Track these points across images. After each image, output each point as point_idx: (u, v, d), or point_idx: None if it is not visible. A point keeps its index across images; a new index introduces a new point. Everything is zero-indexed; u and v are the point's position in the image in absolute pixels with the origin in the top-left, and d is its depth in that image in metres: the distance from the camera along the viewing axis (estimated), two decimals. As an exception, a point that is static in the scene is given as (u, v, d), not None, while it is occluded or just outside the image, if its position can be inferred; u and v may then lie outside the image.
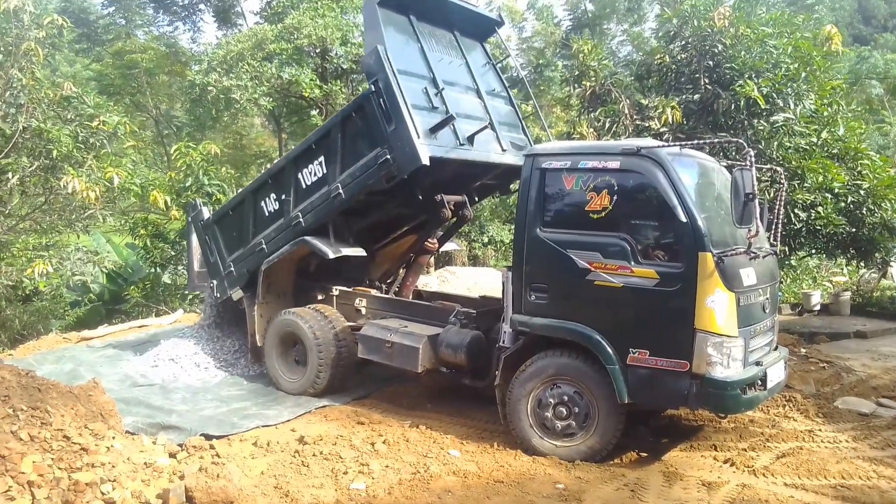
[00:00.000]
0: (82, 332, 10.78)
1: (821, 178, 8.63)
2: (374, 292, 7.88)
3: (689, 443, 5.95)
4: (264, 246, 7.61)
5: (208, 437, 5.88)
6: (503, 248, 17.06)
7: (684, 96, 9.17)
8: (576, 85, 10.27)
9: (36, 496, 4.04)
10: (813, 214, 8.64)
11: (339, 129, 6.94)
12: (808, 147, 8.87)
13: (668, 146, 5.49)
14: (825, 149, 9.08)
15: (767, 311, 5.59)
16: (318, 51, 16.15)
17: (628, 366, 5.17)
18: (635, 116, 9.29)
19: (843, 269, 15.03)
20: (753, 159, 4.84)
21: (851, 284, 13.85)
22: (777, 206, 5.91)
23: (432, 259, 15.10)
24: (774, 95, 8.54)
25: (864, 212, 8.91)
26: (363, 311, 7.52)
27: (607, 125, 9.39)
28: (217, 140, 19.43)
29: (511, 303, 5.80)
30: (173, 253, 13.00)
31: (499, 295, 6.29)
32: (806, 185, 8.64)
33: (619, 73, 10.81)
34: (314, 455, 5.40)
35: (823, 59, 9.30)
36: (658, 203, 5.15)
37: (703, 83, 9.00)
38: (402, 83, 6.31)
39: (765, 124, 8.67)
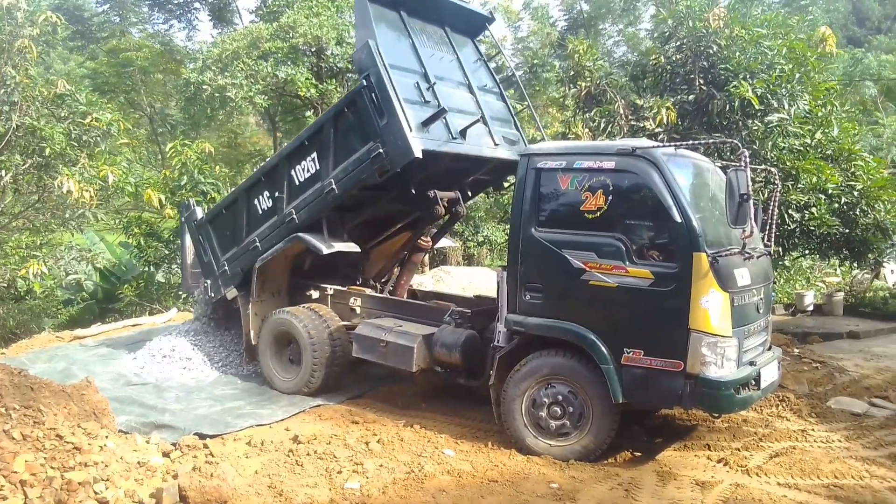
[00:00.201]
0: (75, 330, 10.74)
1: (815, 179, 8.67)
2: (368, 291, 7.87)
3: (683, 442, 5.97)
4: (258, 244, 7.59)
5: (202, 437, 5.87)
6: (498, 248, 17.08)
7: (679, 97, 9.19)
8: (571, 85, 10.29)
9: (28, 495, 4.02)
10: (807, 215, 8.67)
11: (332, 124, 6.94)
12: (802, 148, 8.90)
13: (664, 146, 5.50)
14: (819, 150, 9.12)
15: (761, 311, 5.61)
16: (313, 50, 16.13)
17: (623, 365, 5.18)
18: (630, 117, 9.30)
19: (836, 269, 15.09)
20: (748, 160, 4.86)
21: (844, 285, 13.92)
22: (771, 207, 5.94)
23: (427, 258, 15.11)
24: (769, 96, 8.57)
25: (858, 213, 8.95)
26: (358, 310, 7.51)
27: (602, 125, 9.39)
28: (212, 139, 19.40)
29: (506, 302, 5.80)
30: (167, 252, 12.96)
31: (493, 294, 6.29)
32: (800, 185, 8.67)
33: (615, 74, 10.81)
34: (308, 454, 5.39)
35: (817, 60, 9.33)
36: (653, 203, 5.16)
37: (697, 84, 9.02)
38: (394, 77, 6.32)
39: (759, 125, 8.69)
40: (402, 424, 6.26)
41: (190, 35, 33.04)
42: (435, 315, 6.83)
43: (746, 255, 5.19)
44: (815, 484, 5.00)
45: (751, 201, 4.82)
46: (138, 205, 13.72)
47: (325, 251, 6.98)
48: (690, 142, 5.87)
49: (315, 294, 7.84)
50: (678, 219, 4.99)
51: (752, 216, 5.01)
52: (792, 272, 14.47)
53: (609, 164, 5.35)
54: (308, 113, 16.98)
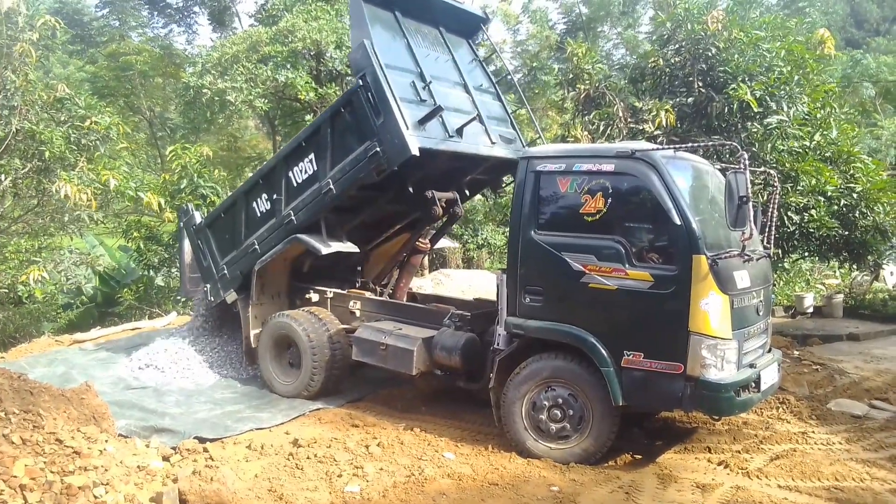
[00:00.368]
0: (75, 334, 10.72)
1: (814, 181, 8.67)
2: (368, 294, 7.87)
3: (684, 445, 5.97)
4: (257, 246, 7.59)
5: (202, 440, 5.86)
6: (498, 251, 17.07)
7: (678, 99, 9.19)
8: (570, 88, 10.29)
9: (28, 500, 4.01)
10: (806, 217, 8.68)
11: (329, 125, 6.96)
12: (801, 150, 8.91)
13: (663, 149, 5.51)
14: (818, 152, 9.13)
15: (761, 313, 5.61)
16: (312, 54, 16.14)
17: (623, 368, 5.18)
18: (629, 119, 9.30)
19: (835, 271, 15.11)
20: (747, 162, 4.86)
21: (844, 287, 13.93)
22: (770, 209, 5.94)
23: (426, 261, 15.12)
24: (767, 98, 8.58)
25: (857, 215, 8.96)
26: (357, 313, 7.51)
27: (601, 128, 9.40)
28: (211, 142, 19.41)
29: (505, 305, 5.80)
30: (167, 255, 12.96)
31: (493, 297, 6.29)
32: (799, 188, 8.67)
33: (614, 77, 10.83)
34: (308, 458, 5.39)
35: (816, 62, 9.35)
36: (652, 206, 5.16)
37: (696, 86, 9.03)
38: (390, 76, 6.35)
39: (758, 127, 8.70)
40: (402, 428, 6.25)
41: (190, 39, 33.16)
42: (435, 318, 6.83)
43: (746, 257, 5.19)
44: (815, 486, 5.00)
45: (750, 203, 4.83)
46: (138, 208, 13.73)
47: (324, 252, 6.98)
48: (690, 144, 5.89)
49: (315, 297, 7.83)
50: (677, 221, 5.00)
51: (752, 218, 5.01)
52: (791, 274, 14.48)
53: (608, 166, 5.36)
54: (307, 116, 16.97)
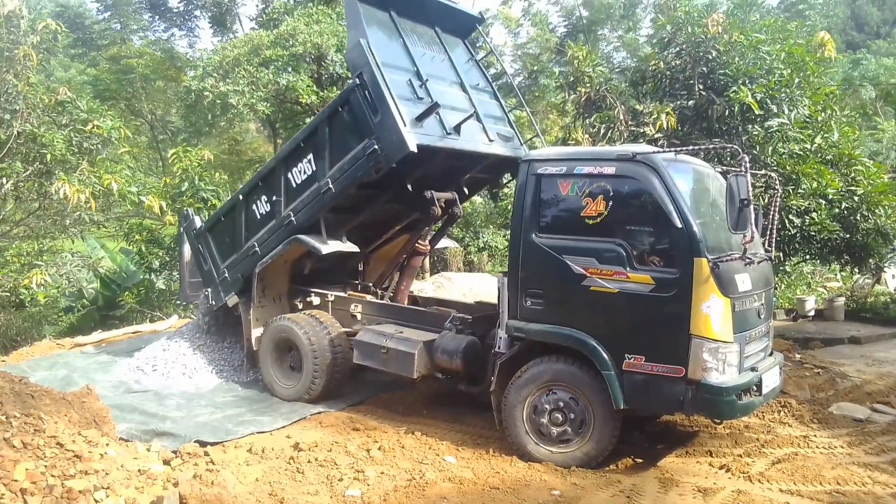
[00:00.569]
0: (76, 337, 10.74)
1: (815, 184, 8.67)
2: (369, 298, 7.87)
3: (685, 449, 5.95)
4: (257, 248, 7.61)
5: (203, 444, 5.86)
6: (499, 254, 17.07)
7: (679, 102, 9.20)
8: (571, 91, 10.30)
9: (28, 504, 4.02)
10: (807, 220, 8.67)
11: (326, 124, 6.98)
12: (802, 153, 8.90)
13: (664, 152, 5.51)
14: (819, 155, 9.12)
15: (762, 316, 5.60)
16: (313, 57, 16.17)
17: (624, 371, 5.17)
18: (630, 122, 9.31)
19: (837, 274, 15.08)
20: (748, 165, 4.87)
21: (846, 290, 13.89)
22: (772, 212, 5.94)
23: (427, 264, 15.12)
24: (768, 101, 8.58)
25: (858, 218, 8.94)
26: (358, 316, 7.51)
27: (602, 131, 9.41)
28: (212, 146, 19.42)
29: (507, 308, 5.80)
30: (168, 258, 12.97)
31: (494, 300, 6.30)
32: (800, 190, 8.67)
33: (614, 80, 10.84)
34: (309, 462, 5.38)
35: (817, 65, 9.35)
36: (653, 208, 5.16)
37: (697, 89, 9.03)
38: (387, 74, 6.38)
39: (759, 130, 8.70)
40: (403, 431, 6.24)
41: (191, 43, 33.20)
42: (436, 321, 6.83)
43: (747, 260, 5.20)
44: (817, 490, 4.99)
45: (751, 206, 4.83)
46: (139, 212, 13.74)
47: (324, 251, 6.99)
48: (690, 147, 5.88)
49: (316, 300, 7.84)
50: (679, 224, 4.99)
51: (753, 221, 5.01)
52: (793, 277, 14.45)
53: (609, 169, 5.36)
54: (308, 120, 16.98)
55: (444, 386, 6.81)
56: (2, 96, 10.06)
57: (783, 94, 8.70)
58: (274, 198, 7.47)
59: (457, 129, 6.82)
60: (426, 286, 12.73)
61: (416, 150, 6.20)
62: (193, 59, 24.22)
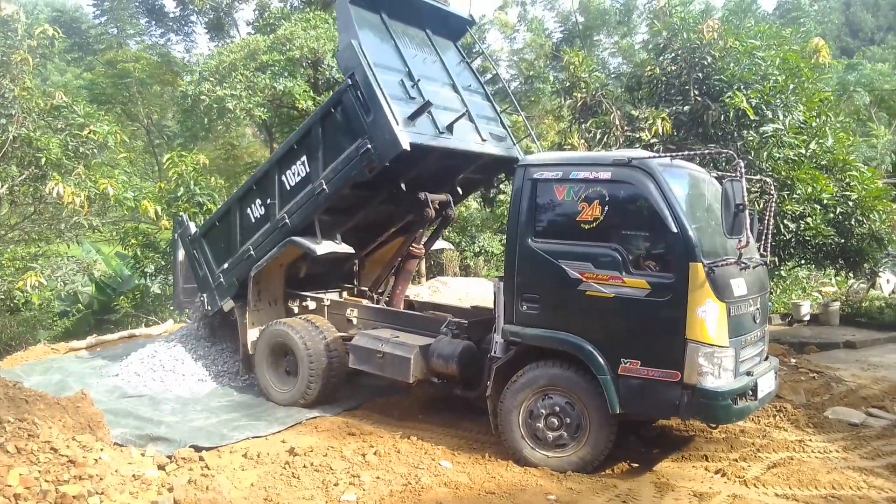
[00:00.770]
0: (71, 342, 10.69)
1: (810, 189, 8.70)
2: (365, 302, 7.87)
3: (681, 453, 5.96)
4: (252, 252, 7.61)
5: (198, 449, 5.83)
6: (495, 258, 17.08)
7: (674, 108, 9.23)
8: (567, 96, 10.33)
9: (22, 509, 4.00)
10: (802, 225, 8.70)
11: (319, 126, 7.00)
12: (797, 158, 8.94)
13: (660, 157, 5.53)
14: (814, 160, 9.16)
15: (758, 321, 5.61)
16: (310, 62, 16.20)
17: (620, 376, 5.17)
18: (626, 127, 9.34)
19: (832, 279, 15.13)
20: (743, 170, 4.88)
21: (840, 295, 13.95)
22: (767, 217, 5.95)
23: (424, 268, 15.12)
24: (763, 107, 8.61)
25: (853, 223, 8.98)
26: (354, 321, 7.50)
27: (598, 136, 9.44)
28: (209, 150, 19.40)
29: (503, 313, 5.80)
30: (163, 263, 12.94)
31: (490, 305, 6.29)
32: (795, 195, 8.70)
33: (610, 85, 10.87)
34: (304, 467, 5.36)
35: (811, 71, 9.40)
36: (649, 213, 5.17)
37: (692, 95, 9.07)
38: (379, 75, 6.40)
39: (754, 135, 8.73)
40: (398, 436, 6.23)
41: (188, 47, 33.15)
42: (432, 326, 6.83)
43: (742, 265, 5.21)
44: (812, 495, 4.99)
45: (746, 211, 4.86)
46: (135, 216, 13.73)
47: (319, 252, 7.00)
48: (686, 152, 5.90)
49: (312, 305, 7.83)
50: (674, 229, 5.00)
51: (748, 226, 5.03)
52: (788, 282, 14.51)
53: (605, 174, 5.37)
54: (304, 124, 17.01)
55: (439, 390, 6.80)
56: (-2, 101, 10.05)
57: (778, 100, 8.74)
58: (268, 201, 7.48)
59: (449, 128, 6.84)
60: (422, 290, 12.72)
61: (408, 149, 6.22)
62: (190, 64, 24.25)
